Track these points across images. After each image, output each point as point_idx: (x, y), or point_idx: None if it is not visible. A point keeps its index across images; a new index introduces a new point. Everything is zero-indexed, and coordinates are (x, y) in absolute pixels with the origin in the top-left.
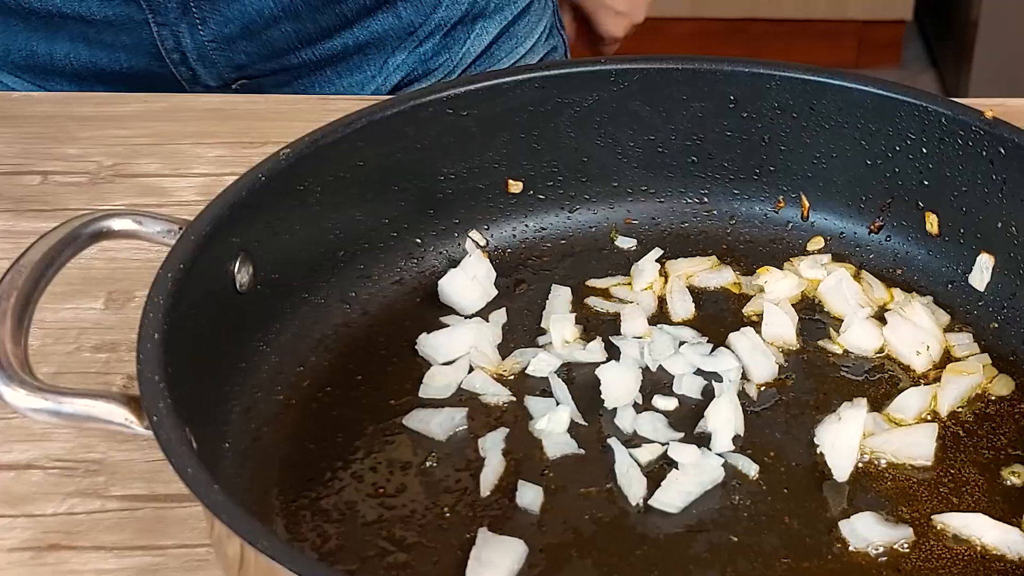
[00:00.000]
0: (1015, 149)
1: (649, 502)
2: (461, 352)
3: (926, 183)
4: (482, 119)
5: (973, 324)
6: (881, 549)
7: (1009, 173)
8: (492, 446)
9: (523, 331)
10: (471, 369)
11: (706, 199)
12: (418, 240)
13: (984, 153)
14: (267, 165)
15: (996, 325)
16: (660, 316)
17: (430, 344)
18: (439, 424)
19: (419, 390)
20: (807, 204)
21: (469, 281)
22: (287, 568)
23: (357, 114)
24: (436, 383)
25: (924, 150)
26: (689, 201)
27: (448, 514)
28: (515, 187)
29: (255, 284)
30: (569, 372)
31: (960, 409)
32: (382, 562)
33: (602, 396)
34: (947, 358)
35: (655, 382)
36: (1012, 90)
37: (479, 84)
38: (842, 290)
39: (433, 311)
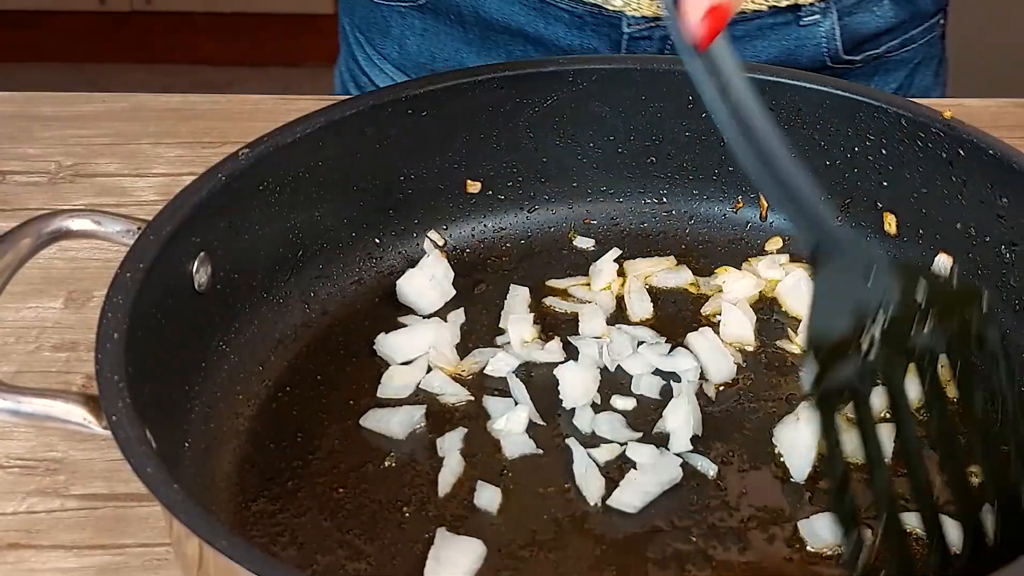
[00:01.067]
0: (974, 150)
1: (607, 502)
2: (419, 352)
3: (885, 183)
4: (441, 119)
5: None
6: (840, 549)
7: (968, 174)
8: (450, 446)
9: (482, 330)
10: (429, 369)
11: (665, 199)
12: (377, 240)
13: (943, 154)
14: (226, 165)
15: None
16: (618, 316)
17: (388, 344)
18: (398, 423)
19: (378, 390)
20: (765, 204)
21: (427, 281)
22: (245, 568)
23: (317, 114)
24: (394, 383)
25: (884, 151)
26: (648, 201)
27: (407, 514)
28: (473, 187)
29: (214, 284)
30: (528, 372)
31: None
32: (341, 561)
33: (560, 396)
34: None
35: (613, 382)
36: (973, 90)
37: (438, 85)
38: (800, 290)
39: (392, 311)
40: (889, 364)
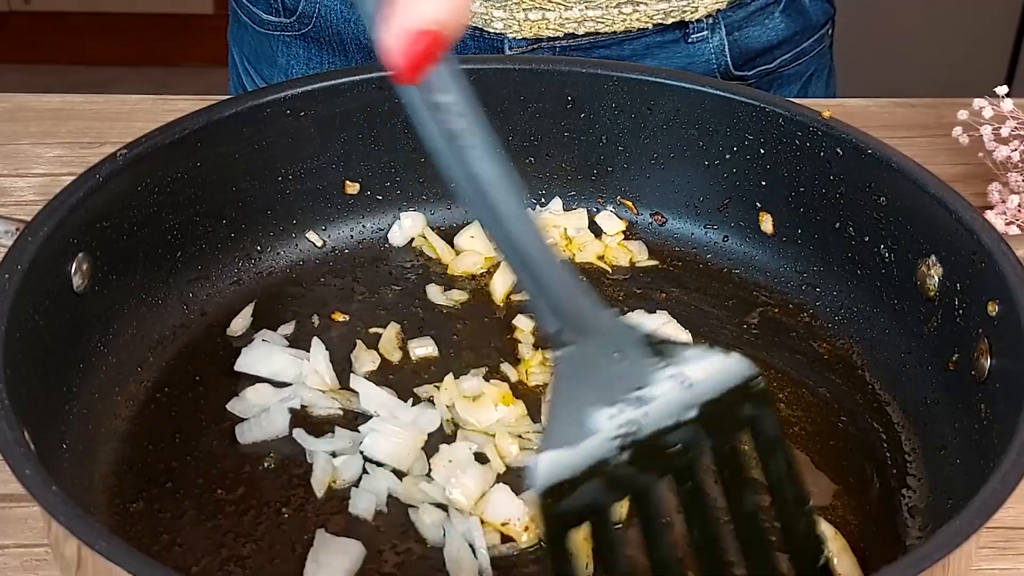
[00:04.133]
0: (852, 149)
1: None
2: (285, 376)
3: (764, 183)
4: (320, 120)
5: (812, 321)
6: None
7: (846, 173)
8: (317, 448)
9: (360, 334)
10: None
11: (544, 200)
12: (256, 241)
13: (821, 153)
14: (104, 166)
15: (831, 324)
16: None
17: (248, 364)
18: (277, 424)
19: (231, 403)
20: (630, 203)
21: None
22: (124, 569)
23: (195, 115)
24: (261, 397)
25: (762, 150)
26: (526, 202)
27: (286, 515)
28: (352, 188)
29: (93, 285)
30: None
31: None
32: (220, 562)
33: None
34: None
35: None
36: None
37: (316, 85)
38: None
39: (271, 311)
40: (641, 475)
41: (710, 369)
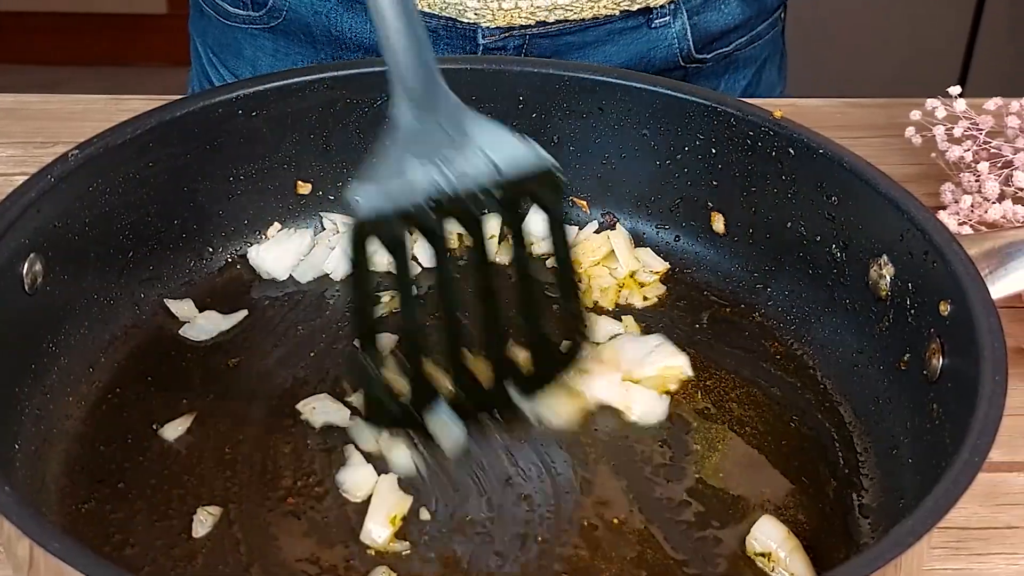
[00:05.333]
0: (804, 149)
1: None
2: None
3: (715, 183)
4: (272, 120)
5: (764, 321)
6: None
7: (798, 173)
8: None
9: (314, 333)
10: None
11: None
12: (208, 241)
13: (773, 153)
14: (56, 166)
15: (783, 324)
16: None
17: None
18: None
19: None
20: (584, 202)
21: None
22: (77, 569)
23: (148, 115)
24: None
25: (713, 150)
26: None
27: (237, 514)
28: (304, 188)
29: (44, 285)
30: None
31: None
32: (172, 562)
33: None
34: None
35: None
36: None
37: (269, 84)
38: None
39: (223, 311)
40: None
41: (517, 153)
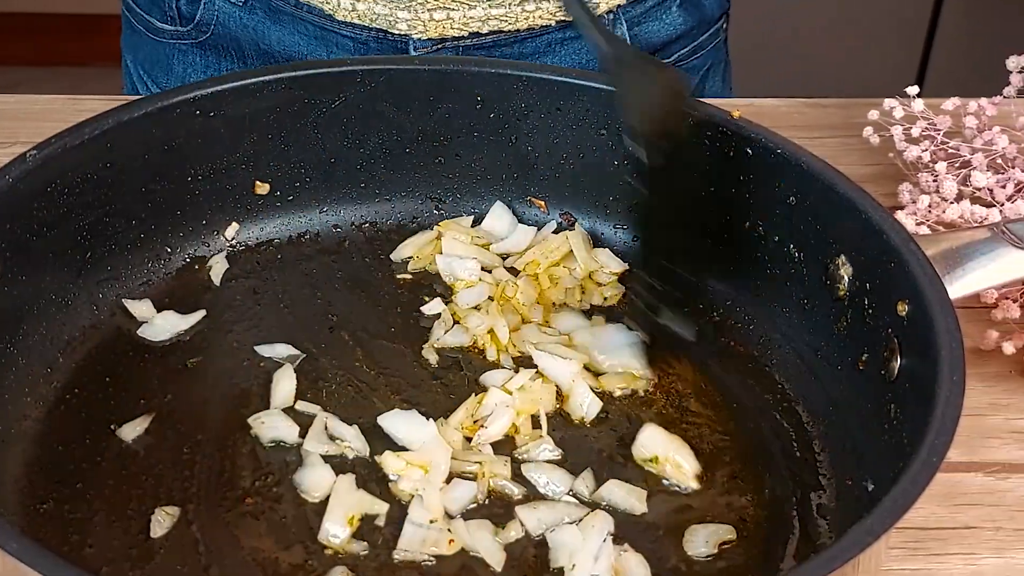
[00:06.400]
0: (762, 149)
1: None
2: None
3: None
4: (230, 120)
5: (722, 320)
6: None
7: (757, 173)
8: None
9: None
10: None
11: (452, 201)
12: (166, 241)
13: (731, 153)
14: (14, 166)
15: (740, 324)
16: None
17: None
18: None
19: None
20: (543, 202)
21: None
22: (35, 570)
23: (106, 115)
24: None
25: None
26: (430, 200)
27: (195, 516)
28: (262, 188)
29: (2, 286)
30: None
31: None
32: (131, 563)
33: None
34: None
35: None
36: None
37: (227, 85)
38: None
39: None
40: None
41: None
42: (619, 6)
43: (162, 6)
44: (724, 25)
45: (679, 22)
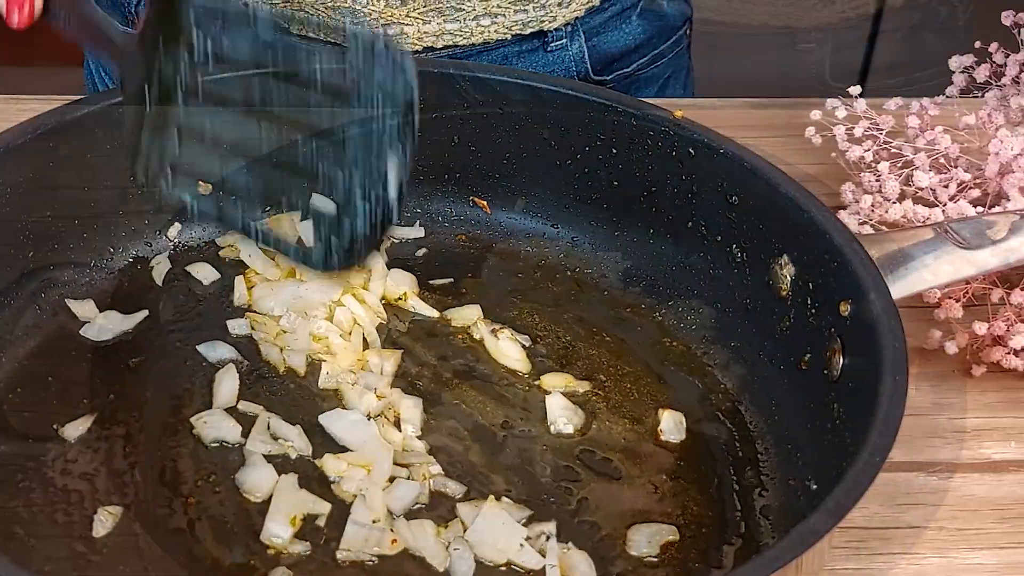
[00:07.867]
0: (704, 149)
1: None
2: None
3: (616, 183)
4: None
5: (664, 321)
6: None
7: (699, 173)
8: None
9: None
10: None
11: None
12: (109, 242)
13: (673, 153)
14: None
15: (683, 324)
16: None
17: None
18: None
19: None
20: (485, 203)
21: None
22: None
23: (48, 115)
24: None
25: (614, 150)
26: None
27: (137, 512)
28: (204, 189)
29: None
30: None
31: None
32: (74, 558)
33: None
34: None
35: None
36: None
37: None
38: None
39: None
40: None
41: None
42: (577, 18)
43: (123, 10)
44: (687, 31)
45: (639, 32)
